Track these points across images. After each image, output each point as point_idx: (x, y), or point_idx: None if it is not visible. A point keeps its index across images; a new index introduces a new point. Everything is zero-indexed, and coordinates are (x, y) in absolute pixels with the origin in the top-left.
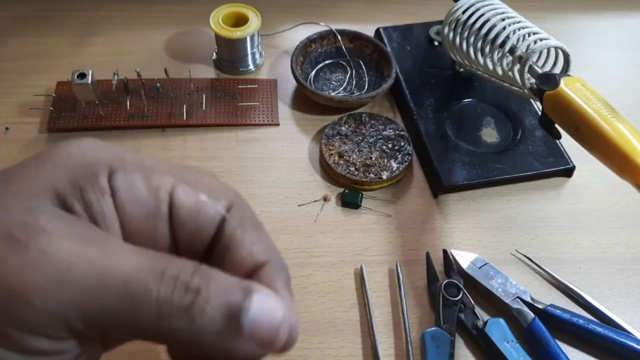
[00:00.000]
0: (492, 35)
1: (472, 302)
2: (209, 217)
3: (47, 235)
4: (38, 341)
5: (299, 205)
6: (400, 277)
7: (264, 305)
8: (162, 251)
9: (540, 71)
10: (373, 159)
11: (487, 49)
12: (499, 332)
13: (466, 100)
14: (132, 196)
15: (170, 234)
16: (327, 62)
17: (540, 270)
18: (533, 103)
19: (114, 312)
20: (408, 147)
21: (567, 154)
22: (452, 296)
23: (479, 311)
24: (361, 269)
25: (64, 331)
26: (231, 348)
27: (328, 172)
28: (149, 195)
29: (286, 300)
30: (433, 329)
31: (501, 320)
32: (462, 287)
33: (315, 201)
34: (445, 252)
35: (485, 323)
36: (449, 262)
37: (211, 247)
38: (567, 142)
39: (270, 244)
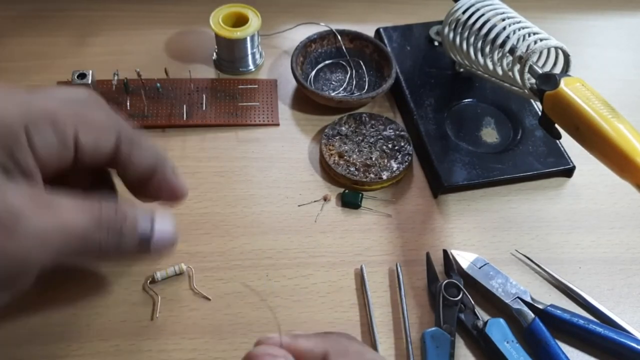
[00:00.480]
0: (492, 35)
1: (472, 302)
2: (105, 150)
3: (26, 219)
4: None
5: (299, 206)
6: (400, 277)
7: (161, 229)
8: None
9: (540, 71)
10: (373, 159)
11: (487, 49)
12: (499, 332)
13: (466, 100)
14: (47, 149)
15: (75, 161)
16: (327, 62)
17: (541, 270)
18: (533, 103)
19: (72, 255)
20: (408, 147)
21: (567, 154)
22: (452, 296)
23: (479, 311)
24: (361, 269)
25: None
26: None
27: (328, 172)
28: (59, 145)
29: (179, 180)
30: (433, 329)
31: (501, 320)
32: (462, 287)
33: (315, 201)
34: (445, 252)
35: (485, 323)
36: (449, 262)
37: (114, 159)
38: (567, 142)
39: (153, 149)
